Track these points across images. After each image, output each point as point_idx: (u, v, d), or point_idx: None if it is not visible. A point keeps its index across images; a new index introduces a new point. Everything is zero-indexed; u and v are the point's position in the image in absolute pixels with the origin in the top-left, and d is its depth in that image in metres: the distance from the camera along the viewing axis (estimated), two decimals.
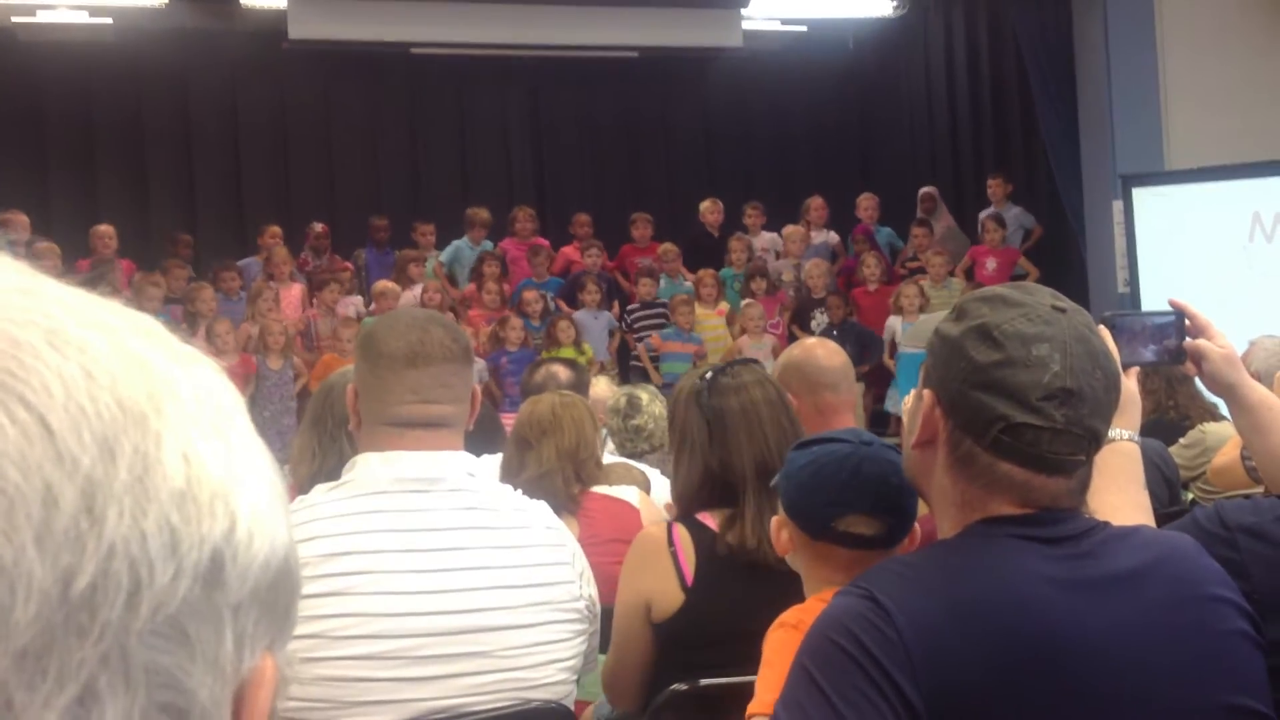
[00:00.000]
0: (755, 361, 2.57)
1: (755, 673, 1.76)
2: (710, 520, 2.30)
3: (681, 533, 2.28)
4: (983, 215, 9.68)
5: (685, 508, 2.36)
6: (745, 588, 2.17)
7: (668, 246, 9.69)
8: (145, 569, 0.41)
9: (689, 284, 9.38)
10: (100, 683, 0.40)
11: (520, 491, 2.12)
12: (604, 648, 2.30)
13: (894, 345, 8.77)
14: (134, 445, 0.43)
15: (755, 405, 2.34)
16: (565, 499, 2.91)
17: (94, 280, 8.20)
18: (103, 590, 0.40)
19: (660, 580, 2.26)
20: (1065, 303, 1.43)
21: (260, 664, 0.47)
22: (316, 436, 2.98)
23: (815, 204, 10.07)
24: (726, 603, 2.20)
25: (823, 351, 3.04)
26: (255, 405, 7.91)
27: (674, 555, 2.26)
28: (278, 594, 0.48)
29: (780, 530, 1.86)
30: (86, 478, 0.41)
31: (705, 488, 2.32)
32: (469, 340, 2.19)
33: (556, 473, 2.93)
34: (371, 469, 1.98)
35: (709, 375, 2.39)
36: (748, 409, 2.34)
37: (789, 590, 1.92)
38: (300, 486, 2.60)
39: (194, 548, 0.43)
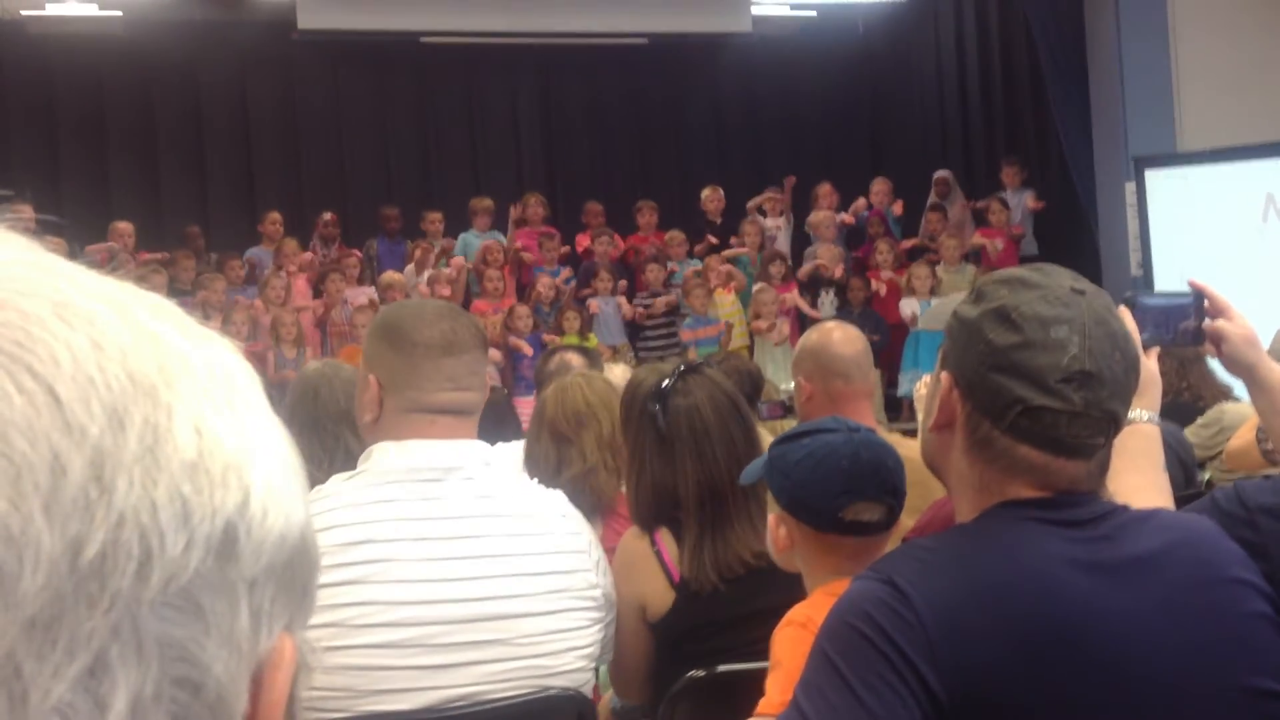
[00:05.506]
0: (707, 364, 2.46)
1: (754, 658, 1.77)
2: None
3: (664, 534, 2.30)
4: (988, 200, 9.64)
5: (646, 524, 2.34)
6: (731, 577, 2.21)
7: (674, 234, 9.68)
8: (156, 539, 0.41)
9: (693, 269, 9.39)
10: (111, 653, 0.40)
11: (557, 490, 2.12)
12: None
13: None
14: (144, 416, 0.42)
15: (706, 424, 2.31)
16: (614, 496, 2.84)
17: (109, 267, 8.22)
18: (112, 559, 0.40)
19: (649, 582, 2.28)
20: (1084, 284, 1.42)
21: (278, 644, 0.46)
22: (318, 440, 2.85)
23: (824, 190, 10.02)
24: (716, 594, 2.23)
25: (840, 337, 3.00)
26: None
27: (659, 555, 2.28)
28: (294, 572, 0.47)
29: (778, 527, 1.85)
30: (95, 447, 0.40)
31: (660, 504, 2.32)
32: (485, 330, 2.21)
33: (599, 467, 2.86)
34: (388, 458, 1.98)
35: (663, 385, 2.34)
36: (696, 428, 2.30)
37: (770, 575, 1.95)
38: None
39: (206, 519, 0.42)
